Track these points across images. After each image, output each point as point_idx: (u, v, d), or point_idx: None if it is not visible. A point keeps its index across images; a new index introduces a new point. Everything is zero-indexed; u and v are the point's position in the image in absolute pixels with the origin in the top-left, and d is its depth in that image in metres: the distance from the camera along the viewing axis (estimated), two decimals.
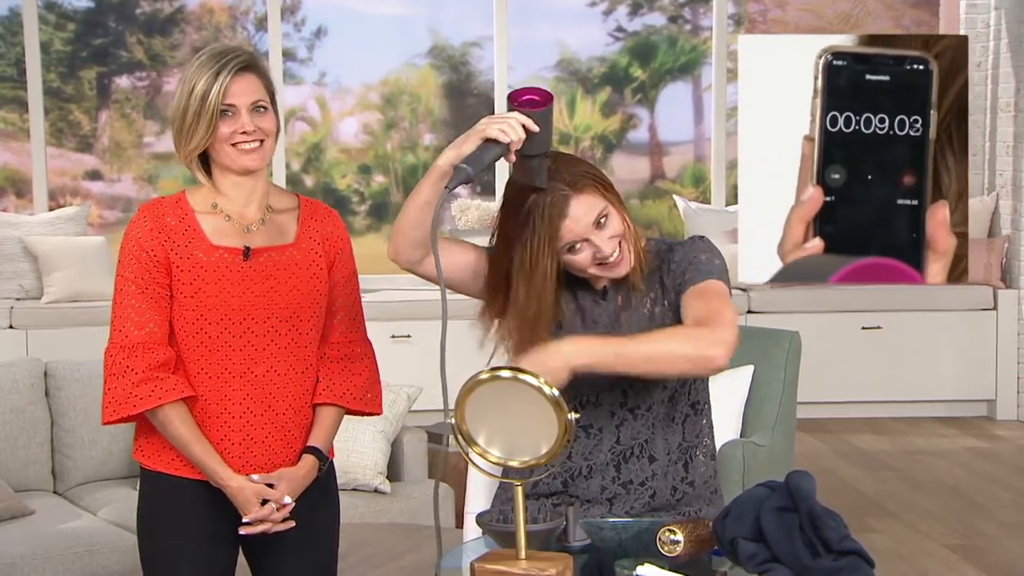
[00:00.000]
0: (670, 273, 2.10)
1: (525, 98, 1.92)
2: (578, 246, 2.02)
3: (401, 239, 2.04)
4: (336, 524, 2.29)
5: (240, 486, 2.11)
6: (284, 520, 2.13)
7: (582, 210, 2.00)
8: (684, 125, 7.09)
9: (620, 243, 2.04)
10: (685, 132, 7.10)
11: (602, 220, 2.02)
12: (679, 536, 1.88)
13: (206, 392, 2.12)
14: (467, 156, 1.89)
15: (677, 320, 2.08)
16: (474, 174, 1.88)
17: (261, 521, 2.12)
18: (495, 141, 1.89)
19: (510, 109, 1.92)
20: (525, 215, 2.00)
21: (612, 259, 2.04)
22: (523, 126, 1.89)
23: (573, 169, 2.03)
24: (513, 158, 1.92)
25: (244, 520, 2.11)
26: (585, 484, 2.15)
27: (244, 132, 2.08)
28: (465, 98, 6.93)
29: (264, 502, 2.11)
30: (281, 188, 2.24)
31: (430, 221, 1.97)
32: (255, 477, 2.12)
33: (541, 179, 1.98)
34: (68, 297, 5.75)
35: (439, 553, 1.95)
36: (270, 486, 2.12)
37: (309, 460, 2.18)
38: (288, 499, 2.12)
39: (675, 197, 6.56)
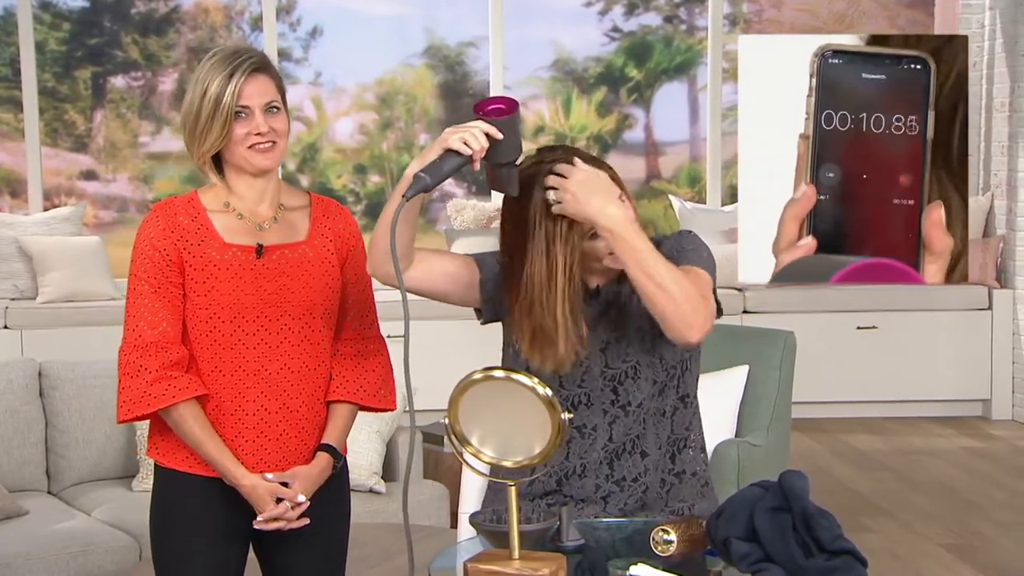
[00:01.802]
0: None
1: (491, 107, 1.93)
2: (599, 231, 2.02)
3: (376, 252, 2.04)
4: (347, 521, 2.29)
5: (254, 484, 2.11)
6: (299, 518, 2.14)
7: None
8: (680, 125, 7.09)
9: None
10: (681, 132, 7.10)
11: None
12: (672, 536, 1.88)
13: (220, 390, 2.13)
14: (427, 165, 1.91)
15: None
16: (432, 184, 1.90)
17: (276, 519, 2.12)
18: (457, 152, 1.91)
19: (476, 119, 1.93)
20: (543, 202, 1.98)
21: None
22: (488, 135, 1.91)
23: (587, 157, 2.06)
24: (477, 167, 1.93)
25: (259, 519, 2.12)
26: (579, 483, 2.15)
27: (259, 133, 2.09)
28: (461, 98, 6.93)
29: (279, 500, 2.12)
30: (292, 186, 2.25)
31: (401, 232, 1.96)
32: (269, 476, 2.12)
33: (513, 187, 1.99)
34: (63, 297, 5.74)
35: (410, 559, 1.95)
36: (284, 484, 2.13)
37: (324, 458, 2.18)
38: (302, 498, 2.13)
39: (671, 197, 6.56)
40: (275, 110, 2.12)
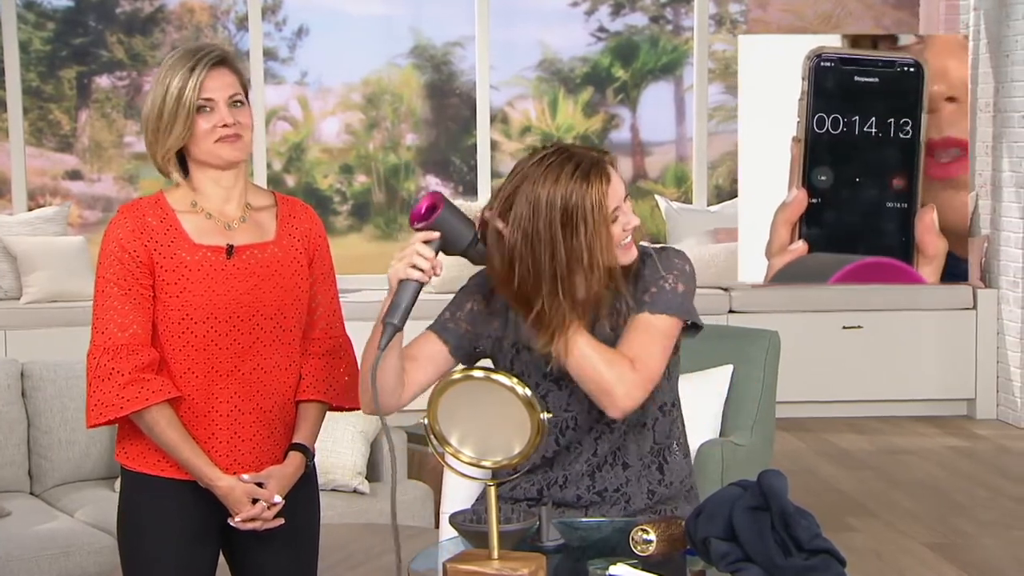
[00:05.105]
0: (638, 283, 2.11)
1: (421, 213, 1.98)
2: (617, 215, 2.05)
3: (367, 396, 2.07)
4: (318, 521, 2.29)
5: (230, 486, 2.10)
6: (274, 518, 2.13)
7: (617, 178, 2.07)
8: (666, 125, 7.10)
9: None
10: (667, 132, 7.11)
11: (626, 195, 2.09)
12: (652, 536, 1.88)
13: (192, 392, 2.12)
14: (389, 309, 1.95)
15: None
16: (401, 324, 1.96)
17: (252, 519, 2.12)
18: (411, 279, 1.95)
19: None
20: (570, 190, 1.99)
21: (628, 240, 2.07)
22: (428, 242, 1.96)
23: (590, 149, 2.09)
24: (440, 272, 1.97)
25: (237, 519, 2.12)
26: (560, 494, 2.16)
27: (225, 125, 2.08)
28: (447, 98, 6.93)
29: (255, 501, 2.12)
30: (257, 186, 2.25)
31: (392, 366, 2.03)
32: (245, 477, 2.12)
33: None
34: (48, 297, 5.72)
35: (398, 557, 1.95)
36: (259, 485, 2.13)
37: (296, 457, 2.18)
38: (278, 498, 2.13)
39: (657, 197, 6.57)
40: (239, 103, 2.11)
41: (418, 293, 1.97)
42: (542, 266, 2.00)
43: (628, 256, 2.08)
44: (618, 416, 2.03)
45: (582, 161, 2.02)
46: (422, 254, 1.95)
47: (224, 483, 2.10)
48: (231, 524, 2.12)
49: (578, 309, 2.03)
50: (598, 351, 2.02)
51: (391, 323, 1.95)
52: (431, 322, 2.19)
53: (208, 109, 2.08)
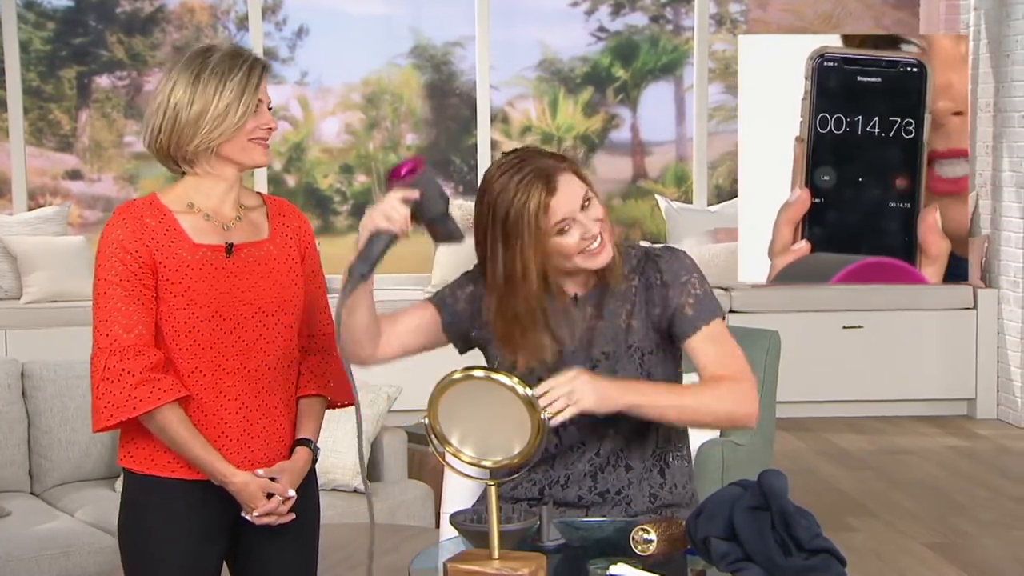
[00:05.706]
0: (655, 287, 2.11)
1: (401, 172, 1.99)
2: (567, 226, 2.03)
3: (343, 341, 2.09)
4: (318, 515, 2.30)
5: (245, 482, 2.11)
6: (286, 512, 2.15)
7: (569, 188, 2.04)
8: (666, 125, 7.11)
9: (601, 231, 2.07)
10: (667, 132, 7.12)
11: (586, 203, 2.06)
12: (652, 535, 1.88)
13: (201, 391, 2.12)
14: (357, 256, 1.95)
15: (657, 338, 2.11)
16: (368, 271, 1.96)
17: (267, 514, 2.13)
18: (384, 230, 1.95)
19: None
20: (511, 200, 2.00)
21: (595, 246, 2.05)
22: (404, 200, 1.95)
23: (549, 156, 2.08)
24: (407, 234, 1.97)
25: (255, 514, 2.12)
26: (562, 494, 2.16)
27: (269, 128, 2.12)
28: (447, 98, 6.93)
29: (269, 496, 2.13)
30: (245, 187, 2.26)
31: (357, 323, 2.04)
32: (260, 472, 2.13)
33: (458, 235, 2.05)
34: (48, 297, 5.72)
35: (370, 555, 1.95)
36: (271, 479, 2.14)
37: (304, 452, 2.19)
38: (292, 492, 2.14)
39: (657, 197, 6.57)
40: (271, 110, 2.16)
41: (388, 246, 1.97)
42: (487, 275, 2.04)
43: (596, 261, 2.07)
44: (755, 424, 2.08)
45: (531, 171, 2.02)
46: (396, 208, 1.95)
47: (239, 479, 2.11)
48: (248, 519, 2.13)
49: (519, 323, 2.04)
50: (695, 395, 2.04)
51: (356, 268, 1.95)
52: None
53: (258, 110, 2.11)
